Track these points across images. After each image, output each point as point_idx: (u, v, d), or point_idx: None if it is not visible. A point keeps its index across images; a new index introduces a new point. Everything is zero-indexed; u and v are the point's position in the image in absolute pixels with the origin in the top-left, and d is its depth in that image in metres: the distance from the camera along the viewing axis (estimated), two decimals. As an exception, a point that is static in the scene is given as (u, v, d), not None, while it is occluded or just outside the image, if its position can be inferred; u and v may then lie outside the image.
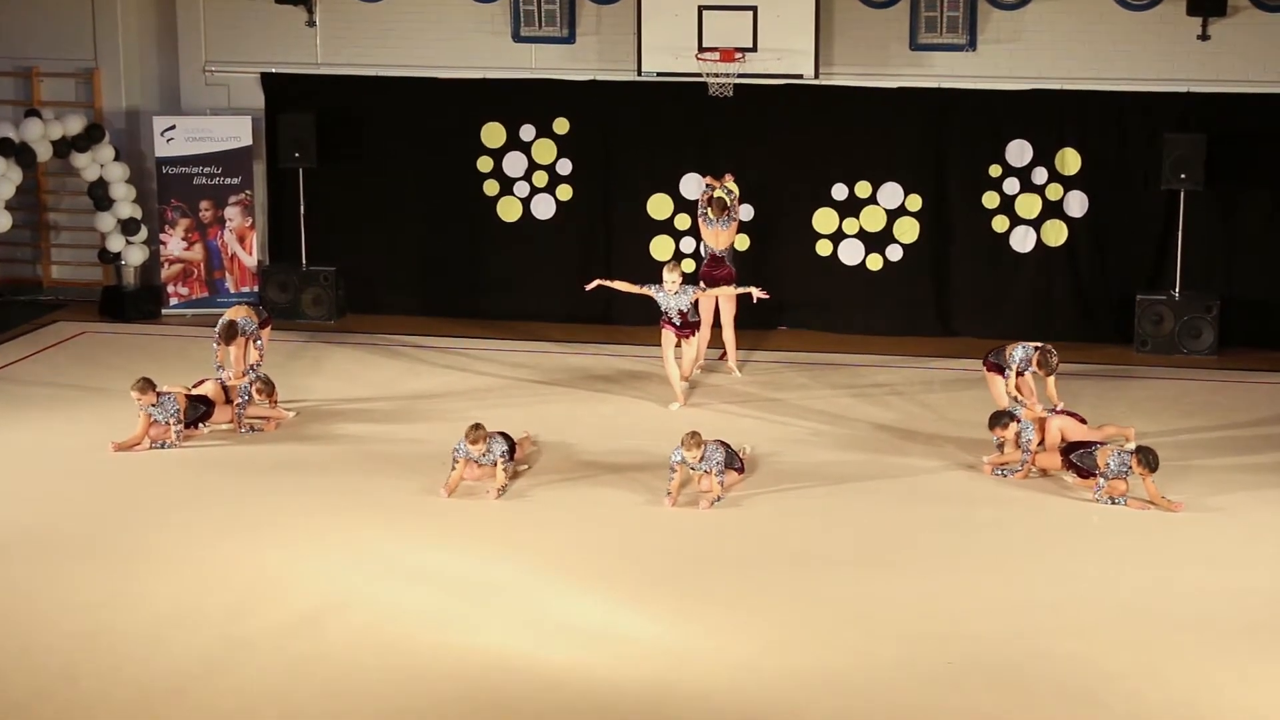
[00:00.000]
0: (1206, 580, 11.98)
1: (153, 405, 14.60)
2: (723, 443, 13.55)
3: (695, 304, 15.94)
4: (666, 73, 18.32)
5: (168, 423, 14.64)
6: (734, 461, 13.71)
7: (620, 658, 10.71)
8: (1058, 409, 14.32)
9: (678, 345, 16.03)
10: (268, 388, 15.28)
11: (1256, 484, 13.96)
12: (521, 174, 19.23)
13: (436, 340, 18.30)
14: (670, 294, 15.73)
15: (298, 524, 12.95)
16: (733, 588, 11.83)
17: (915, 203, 18.60)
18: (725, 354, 17.14)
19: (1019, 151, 18.31)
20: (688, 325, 15.92)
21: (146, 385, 14.57)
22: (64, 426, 15.29)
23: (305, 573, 12.01)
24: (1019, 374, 14.42)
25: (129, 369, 16.37)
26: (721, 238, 16.91)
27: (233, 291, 19.36)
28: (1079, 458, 13.61)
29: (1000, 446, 14.18)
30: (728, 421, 15.40)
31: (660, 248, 18.95)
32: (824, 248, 18.80)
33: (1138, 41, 17.95)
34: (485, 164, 19.24)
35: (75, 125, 19.11)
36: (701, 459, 13.28)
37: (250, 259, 19.57)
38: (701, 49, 18.02)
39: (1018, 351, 14.41)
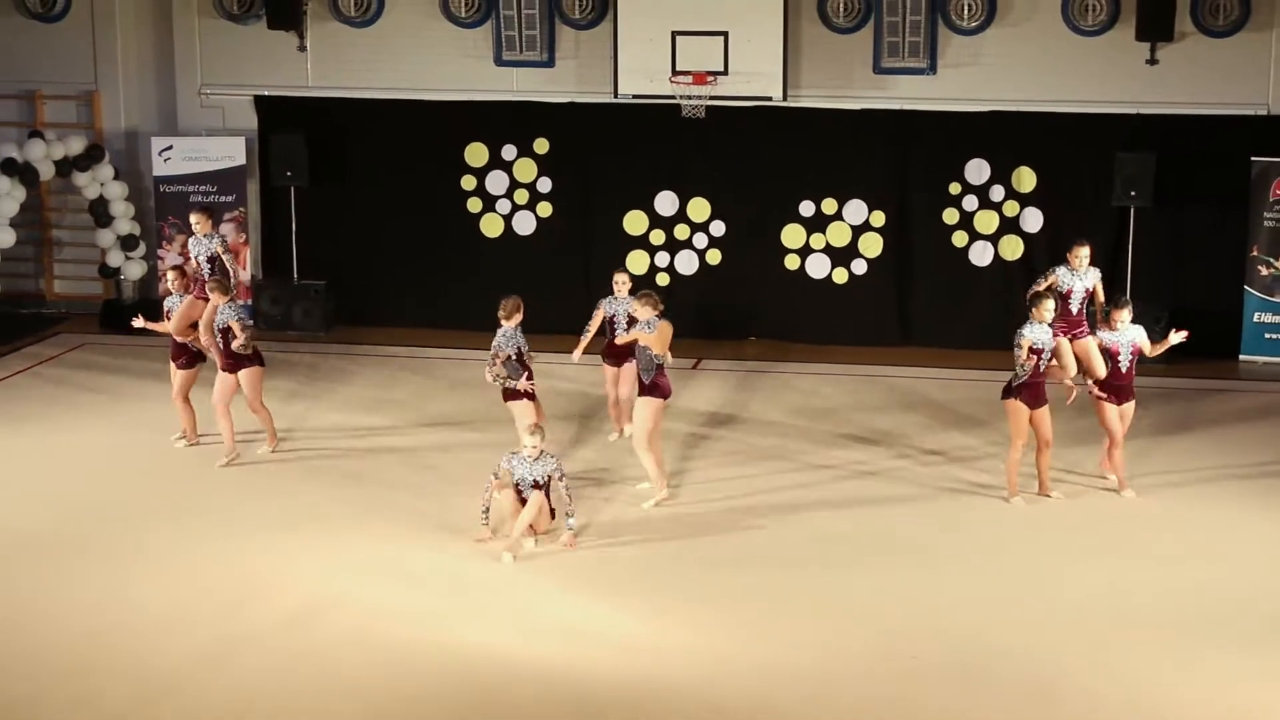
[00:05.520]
0: (1159, 577, 11.99)
1: (205, 235, 15.02)
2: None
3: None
4: (642, 95, 18.31)
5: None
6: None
7: (600, 652, 10.69)
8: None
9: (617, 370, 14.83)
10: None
11: (1204, 483, 14.02)
12: (503, 192, 19.21)
13: (422, 350, 18.27)
14: (620, 298, 14.65)
15: (288, 526, 12.91)
16: (707, 586, 11.81)
17: (879, 219, 18.61)
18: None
19: (977, 170, 18.34)
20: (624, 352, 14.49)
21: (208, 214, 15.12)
22: (67, 433, 15.23)
23: (296, 573, 11.98)
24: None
25: (128, 379, 16.32)
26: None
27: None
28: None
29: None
30: (697, 428, 15.41)
31: (636, 262, 18.90)
32: (792, 262, 18.80)
33: (1090, 65, 17.98)
34: (469, 182, 19.23)
35: (76, 146, 19.08)
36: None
37: (244, 273, 19.49)
38: (675, 72, 18.02)
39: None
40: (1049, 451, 13.61)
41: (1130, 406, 13.73)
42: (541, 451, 12.38)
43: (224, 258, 15.47)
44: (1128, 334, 13.58)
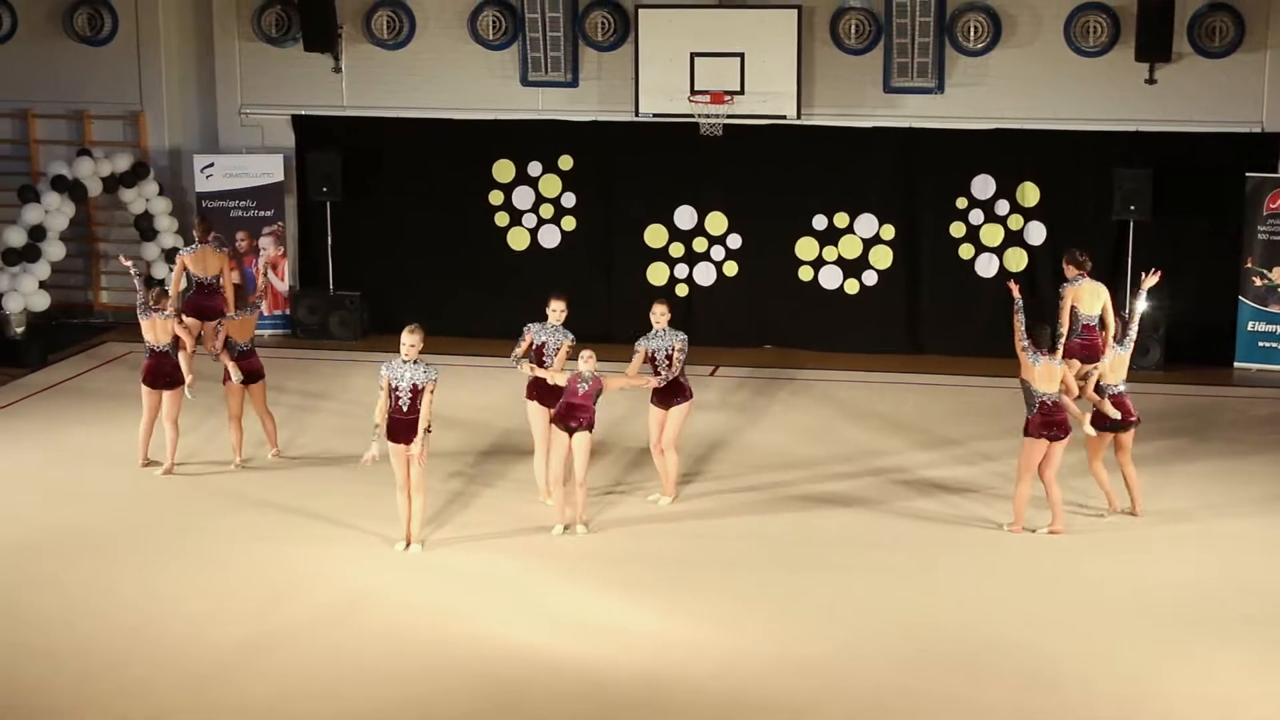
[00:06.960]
0: (1152, 575, 12.06)
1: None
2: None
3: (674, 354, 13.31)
4: (662, 114, 18.41)
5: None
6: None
7: (617, 647, 10.76)
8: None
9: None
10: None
11: (1195, 487, 14.06)
12: (529, 206, 19.30)
13: (451, 358, 18.16)
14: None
15: (321, 526, 13.00)
16: (720, 585, 11.87)
17: (889, 232, 18.68)
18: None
19: (983, 185, 18.39)
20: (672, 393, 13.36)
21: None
22: (112, 438, 15.31)
23: (329, 570, 12.06)
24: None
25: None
26: None
27: (266, 314, 19.40)
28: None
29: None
30: (713, 432, 15.48)
31: (656, 274, 19.02)
32: (806, 273, 18.87)
33: (1091, 85, 18.03)
34: (496, 197, 19.33)
35: (123, 163, 19.23)
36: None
37: (282, 284, 19.65)
38: (694, 92, 18.12)
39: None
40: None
41: (1056, 446, 12.69)
42: (421, 357, 12.14)
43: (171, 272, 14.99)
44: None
